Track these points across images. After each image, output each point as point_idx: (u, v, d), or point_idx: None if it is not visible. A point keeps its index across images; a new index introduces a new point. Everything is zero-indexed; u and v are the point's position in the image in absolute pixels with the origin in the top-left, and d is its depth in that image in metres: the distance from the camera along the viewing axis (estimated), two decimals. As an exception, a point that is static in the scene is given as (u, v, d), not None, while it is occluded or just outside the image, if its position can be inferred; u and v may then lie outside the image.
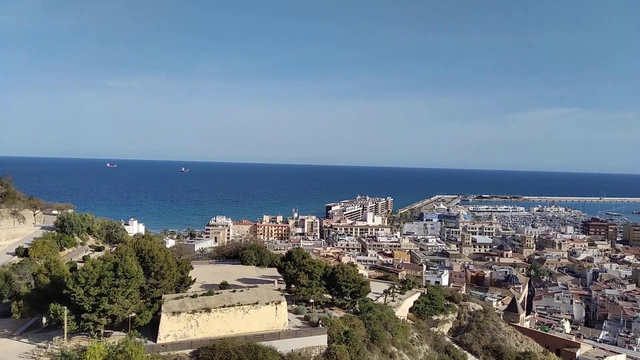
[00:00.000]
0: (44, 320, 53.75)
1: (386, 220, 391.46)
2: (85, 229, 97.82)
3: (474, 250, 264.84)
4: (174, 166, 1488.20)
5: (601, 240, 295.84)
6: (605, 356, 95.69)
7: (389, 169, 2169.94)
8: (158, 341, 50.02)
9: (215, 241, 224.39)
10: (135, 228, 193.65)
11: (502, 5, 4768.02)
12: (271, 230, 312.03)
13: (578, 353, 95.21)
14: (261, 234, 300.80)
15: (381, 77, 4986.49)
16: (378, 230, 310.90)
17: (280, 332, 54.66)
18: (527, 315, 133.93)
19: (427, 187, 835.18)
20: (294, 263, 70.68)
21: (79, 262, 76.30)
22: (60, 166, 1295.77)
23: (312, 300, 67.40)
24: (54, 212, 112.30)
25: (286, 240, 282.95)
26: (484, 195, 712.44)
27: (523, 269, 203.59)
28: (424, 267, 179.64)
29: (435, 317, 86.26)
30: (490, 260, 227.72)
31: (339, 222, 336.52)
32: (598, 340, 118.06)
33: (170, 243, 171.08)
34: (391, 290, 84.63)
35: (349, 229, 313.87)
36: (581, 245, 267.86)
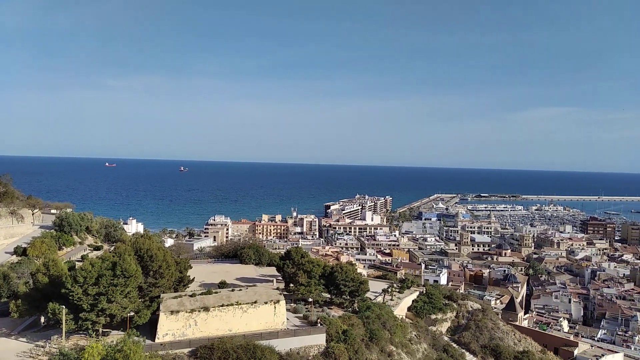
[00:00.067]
0: (42, 319, 53.69)
1: (385, 220, 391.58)
2: (83, 228, 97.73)
3: (473, 249, 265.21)
4: (173, 165, 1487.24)
5: (599, 240, 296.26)
6: (603, 355, 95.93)
7: (387, 168, 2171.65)
8: (156, 340, 50.04)
9: (214, 240, 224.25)
10: (134, 227, 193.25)
11: (502, 5, 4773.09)
12: (270, 230, 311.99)
13: (576, 352, 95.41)
14: (260, 233, 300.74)
15: (381, 77, 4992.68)
16: (377, 229, 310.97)
17: (279, 331, 54.73)
18: (525, 314, 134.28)
19: (426, 186, 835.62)
20: (293, 262, 70.76)
21: (78, 261, 76.28)
22: (59, 165, 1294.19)
23: (310, 300, 67.48)
24: (53, 211, 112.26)
25: (285, 239, 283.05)
26: (482, 195, 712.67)
27: (521, 268, 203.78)
28: (423, 266, 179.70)
29: (433, 316, 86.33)
30: (489, 259, 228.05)
31: (338, 221, 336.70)
32: (596, 339, 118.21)
33: (169, 242, 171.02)
34: (390, 289, 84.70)
35: (347, 228, 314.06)
36: (579, 245, 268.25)
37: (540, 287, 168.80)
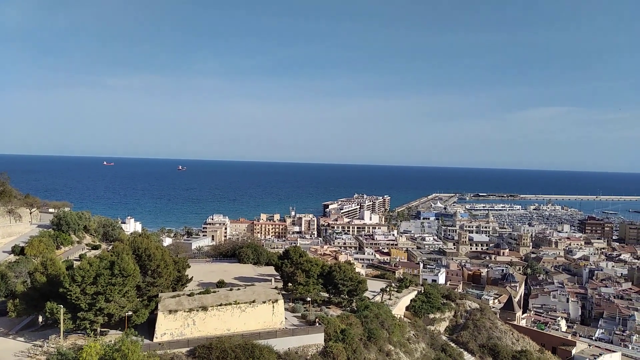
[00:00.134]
0: (40, 318, 53.61)
1: (383, 219, 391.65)
2: (81, 227, 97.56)
3: (471, 248, 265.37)
4: (172, 164, 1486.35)
5: (597, 239, 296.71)
6: (600, 354, 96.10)
7: (386, 167, 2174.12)
8: (155, 340, 50.01)
9: (213, 239, 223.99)
10: (132, 226, 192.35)
11: (502, 5, 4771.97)
12: (268, 229, 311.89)
13: (574, 351, 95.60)
14: (258, 232, 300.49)
15: (381, 77, 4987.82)
16: (375, 228, 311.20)
17: (277, 331, 54.74)
18: (523, 313, 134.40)
19: (425, 185, 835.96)
20: (291, 261, 70.75)
21: (76, 260, 76.12)
22: (57, 164, 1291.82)
23: (309, 299, 67.45)
24: (51, 210, 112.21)
25: (283, 238, 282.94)
26: (481, 194, 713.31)
27: (519, 268, 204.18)
28: (421, 265, 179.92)
29: (432, 316, 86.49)
30: (487, 258, 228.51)
31: (336, 220, 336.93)
32: (594, 338, 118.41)
33: (167, 241, 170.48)
34: (388, 289, 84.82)
35: (346, 228, 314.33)
36: (577, 244, 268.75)
37: (538, 287, 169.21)
